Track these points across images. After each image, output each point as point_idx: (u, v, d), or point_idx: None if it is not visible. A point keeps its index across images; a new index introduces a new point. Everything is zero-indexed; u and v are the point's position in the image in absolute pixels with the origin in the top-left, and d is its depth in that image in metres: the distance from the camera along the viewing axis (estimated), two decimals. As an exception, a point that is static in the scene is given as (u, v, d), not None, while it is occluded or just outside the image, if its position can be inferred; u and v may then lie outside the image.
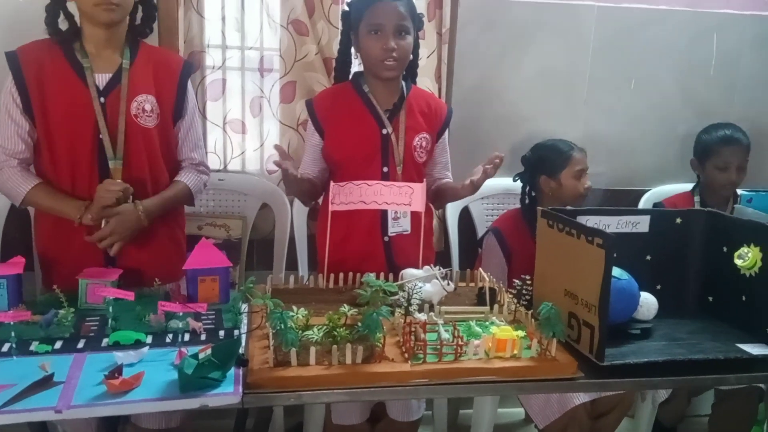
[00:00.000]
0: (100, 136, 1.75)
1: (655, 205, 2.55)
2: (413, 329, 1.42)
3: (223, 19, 2.39)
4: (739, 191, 2.41)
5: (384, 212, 1.93)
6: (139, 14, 1.85)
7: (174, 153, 1.92)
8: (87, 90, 1.74)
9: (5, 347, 1.37)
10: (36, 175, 1.80)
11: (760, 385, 2.34)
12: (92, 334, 1.46)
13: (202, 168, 1.97)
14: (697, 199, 2.50)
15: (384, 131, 1.93)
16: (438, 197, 2.06)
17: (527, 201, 2.32)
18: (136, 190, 1.78)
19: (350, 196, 1.75)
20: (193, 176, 1.93)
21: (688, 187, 2.58)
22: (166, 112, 1.84)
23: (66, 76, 1.74)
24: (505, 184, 2.50)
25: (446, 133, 2.07)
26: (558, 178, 2.25)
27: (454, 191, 1.96)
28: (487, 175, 1.78)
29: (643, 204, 2.68)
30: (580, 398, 2.02)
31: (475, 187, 1.81)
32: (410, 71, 2.02)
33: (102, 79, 1.76)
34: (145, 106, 1.79)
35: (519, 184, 2.34)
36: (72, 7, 1.75)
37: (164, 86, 1.84)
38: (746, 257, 1.60)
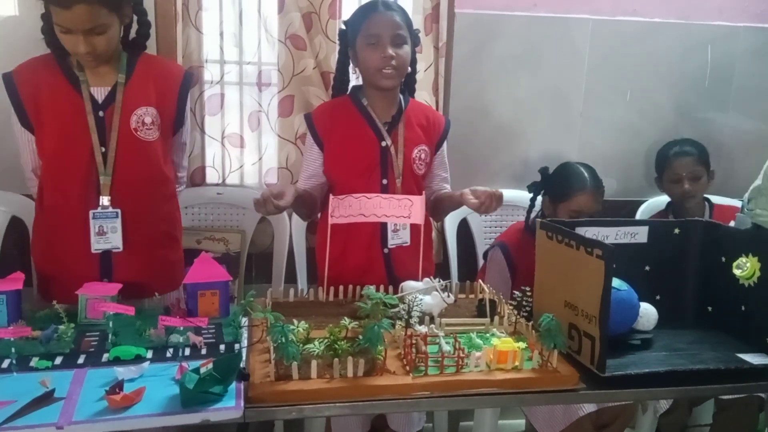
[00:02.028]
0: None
1: None
2: (414, 341, 1.42)
3: (221, 34, 2.41)
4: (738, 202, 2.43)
5: (384, 224, 1.93)
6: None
7: (172, 163, 1.94)
8: (83, 103, 1.74)
9: (5, 363, 1.36)
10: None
11: (760, 394, 2.34)
12: (92, 350, 1.45)
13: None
14: (671, 218, 2.53)
15: (383, 143, 1.93)
16: (436, 208, 2.06)
17: (538, 213, 2.28)
18: (128, 202, 1.78)
19: (350, 209, 1.76)
20: None
21: None
22: (166, 123, 1.84)
23: (62, 89, 1.74)
24: (505, 196, 2.51)
25: (445, 146, 2.08)
26: (556, 206, 2.24)
27: (451, 199, 1.96)
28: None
29: (640, 215, 2.69)
30: (586, 408, 2.01)
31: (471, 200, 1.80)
32: (408, 85, 2.04)
33: (101, 92, 1.76)
34: (145, 119, 1.78)
35: (517, 196, 2.34)
36: None
37: (165, 97, 1.83)
38: (745, 267, 1.60)
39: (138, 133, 1.78)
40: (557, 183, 2.25)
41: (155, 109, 1.80)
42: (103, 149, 1.75)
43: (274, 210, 1.71)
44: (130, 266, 1.80)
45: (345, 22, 1.98)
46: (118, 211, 1.77)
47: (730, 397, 2.37)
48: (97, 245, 1.77)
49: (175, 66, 2.00)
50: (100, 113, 1.75)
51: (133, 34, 1.84)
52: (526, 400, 1.43)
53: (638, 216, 2.69)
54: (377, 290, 1.60)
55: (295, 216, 2.39)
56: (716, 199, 2.60)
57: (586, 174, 2.24)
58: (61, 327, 1.48)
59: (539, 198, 2.29)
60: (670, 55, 2.67)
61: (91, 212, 1.76)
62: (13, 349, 1.34)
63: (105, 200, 1.76)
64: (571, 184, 2.21)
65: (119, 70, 1.78)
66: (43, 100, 1.74)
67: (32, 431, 1.16)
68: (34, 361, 1.38)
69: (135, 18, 1.81)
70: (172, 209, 1.93)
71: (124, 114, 1.76)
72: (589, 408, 2.02)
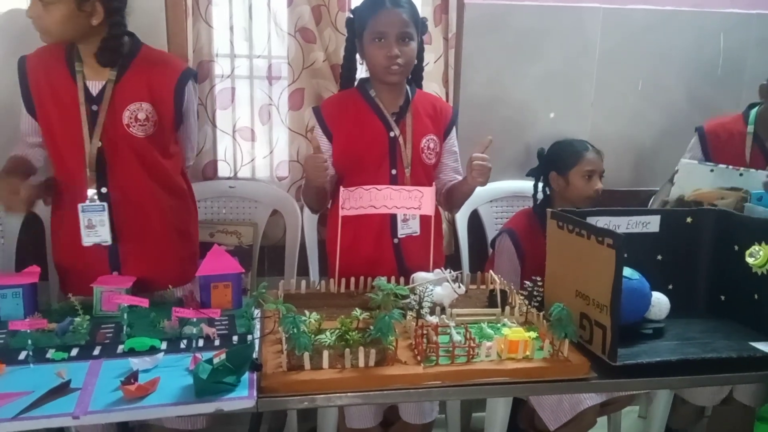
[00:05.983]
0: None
1: (696, 129, 2.40)
2: (425, 332, 1.43)
3: (231, 28, 2.41)
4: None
5: (393, 215, 1.94)
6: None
7: (178, 157, 1.92)
8: (78, 94, 1.73)
9: (22, 355, 1.38)
10: (22, 149, 1.84)
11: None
12: (108, 341, 1.47)
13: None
14: (750, 129, 2.28)
15: (391, 134, 1.94)
16: (449, 199, 2.07)
17: (540, 198, 2.31)
18: (125, 196, 1.78)
19: (360, 200, 1.77)
20: None
21: None
22: (166, 119, 1.82)
23: (63, 78, 1.74)
24: (514, 186, 2.51)
25: (454, 136, 2.08)
26: (567, 176, 2.25)
27: (461, 187, 1.98)
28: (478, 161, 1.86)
29: (652, 205, 2.67)
30: (591, 401, 2.01)
31: (475, 171, 1.86)
32: (416, 76, 2.04)
33: (96, 86, 1.75)
34: (138, 114, 1.77)
35: (528, 186, 2.34)
36: None
37: (161, 93, 1.81)
38: (757, 255, 1.59)
39: (130, 129, 1.76)
40: (560, 155, 2.30)
41: (150, 104, 1.78)
42: (99, 143, 1.74)
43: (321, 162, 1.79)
44: (136, 259, 1.81)
45: (352, 11, 1.98)
46: (105, 204, 1.76)
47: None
48: (87, 239, 1.77)
49: (175, 61, 1.93)
50: (93, 107, 1.74)
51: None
52: (538, 390, 1.44)
53: (650, 206, 2.67)
54: (388, 281, 1.61)
55: (306, 209, 2.40)
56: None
57: (581, 140, 2.35)
58: (77, 319, 1.50)
59: (540, 184, 2.33)
60: (682, 43, 2.64)
61: (80, 206, 1.75)
62: (29, 341, 1.36)
63: (91, 193, 1.75)
64: (575, 148, 2.29)
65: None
66: (45, 88, 1.75)
67: (49, 421, 1.18)
68: (50, 353, 1.40)
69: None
70: (179, 203, 1.91)
71: (116, 110, 1.75)
72: (595, 399, 2.01)
